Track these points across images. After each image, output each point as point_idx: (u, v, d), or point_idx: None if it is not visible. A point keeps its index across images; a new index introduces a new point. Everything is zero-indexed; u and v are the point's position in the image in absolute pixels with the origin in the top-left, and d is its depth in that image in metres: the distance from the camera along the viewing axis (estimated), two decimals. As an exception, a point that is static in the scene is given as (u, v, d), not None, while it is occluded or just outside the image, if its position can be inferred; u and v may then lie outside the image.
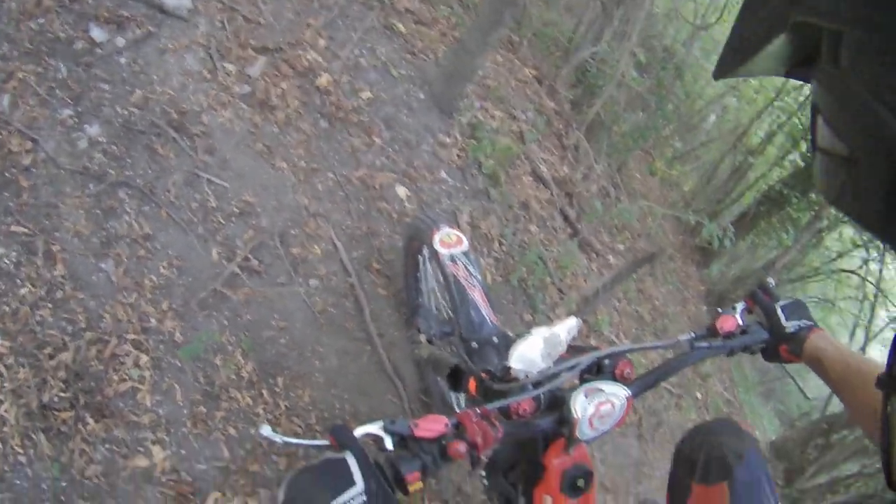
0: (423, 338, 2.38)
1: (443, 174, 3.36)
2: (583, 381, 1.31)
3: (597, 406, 1.19)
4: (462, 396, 2.46)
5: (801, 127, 7.11)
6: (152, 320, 2.34)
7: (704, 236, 3.59)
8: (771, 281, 1.53)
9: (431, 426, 1.01)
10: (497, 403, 1.20)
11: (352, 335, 2.74)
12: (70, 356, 2.16)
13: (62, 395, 2.11)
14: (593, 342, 3.95)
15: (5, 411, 2.03)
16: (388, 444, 0.99)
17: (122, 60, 2.75)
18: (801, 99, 7.04)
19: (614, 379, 1.30)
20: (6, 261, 2.23)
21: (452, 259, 2.08)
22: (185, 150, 2.71)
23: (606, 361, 1.32)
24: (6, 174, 2.35)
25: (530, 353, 1.35)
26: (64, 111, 2.54)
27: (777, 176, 7.80)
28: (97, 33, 2.73)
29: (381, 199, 3.12)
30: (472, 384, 1.47)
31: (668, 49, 7.05)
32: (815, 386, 9.42)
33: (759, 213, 7.39)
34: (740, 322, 1.44)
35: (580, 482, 1.27)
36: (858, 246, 7.03)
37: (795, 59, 0.50)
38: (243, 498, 2.23)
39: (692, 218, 4.38)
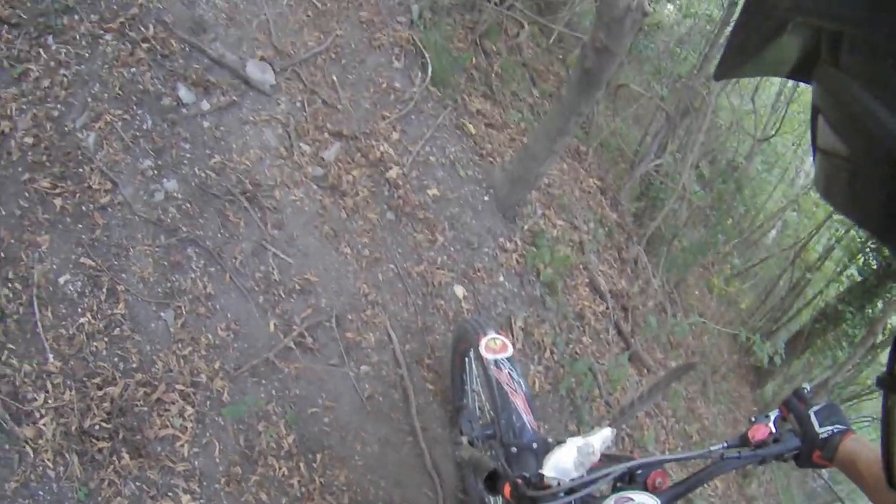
0: (464, 439, 2.38)
1: (501, 278, 3.39)
2: (615, 489, 1.31)
3: None
4: (499, 499, 2.43)
5: (858, 240, 6.93)
6: (203, 376, 2.39)
7: (759, 355, 3.48)
8: (806, 387, 1.48)
9: None
10: None
11: (396, 425, 2.73)
12: (118, 391, 2.21)
13: (103, 424, 2.15)
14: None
15: (44, 425, 2.07)
16: None
17: (206, 124, 2.90)
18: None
19: (646, 489, 1.29)
20: (70, 287, 2.33)
21: (497, 364, 2.10)
22: (255, 221, 2.81)
23: (639, 471, 1.32)
24: (83, 207, 2.47)
25: (564, 462, 1.36)
26: (145, 161, 2.67)
27: (834, 292, 7.58)
28: (184, 94, 2.89)
29: (439, 296, 3.15)
30: (507, 489, 1.48)
31: (730, 163, 7.07)
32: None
33: (815, 331, 7.15)
34: (773, 430, 1.42)
35: None
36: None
37: (796, 60, 0.50)
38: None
39: (745, 335, 4.27)
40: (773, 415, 1.46)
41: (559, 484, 1.35)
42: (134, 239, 2.52)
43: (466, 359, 2.61)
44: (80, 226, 2.46)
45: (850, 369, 6.32)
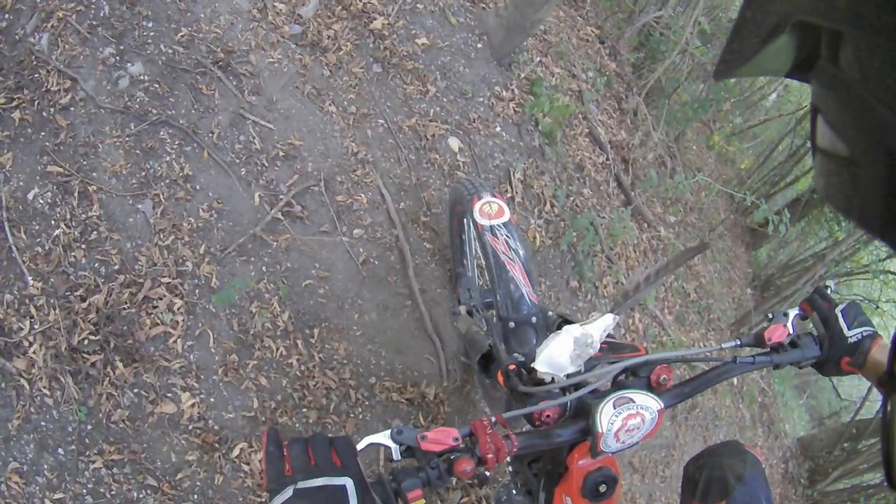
0: (462, 309, 2.30)
1: (497, 128, 3.21)
2: (615, 384, 1.22)
3: (625, 419, 1.10)
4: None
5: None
6: (188, 264, 2.29)
7: (758, 218, 3.41)
8: (831, 284, 1.37)
9: (440, 439, 0.96)
10: (518, 412, 1.12)
11: (394, 289, 2.65)
12: (102, 299, 2.12)
13: (92, 338, 2.08)
14: (637, 316, 3.81)
15: (34, 353, 2.02)
16: (396, 454, 0.96)
17: None
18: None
19: (649, 386, 1.21)
20: (40, 201, 2.20)
21: (493, 231, 1.96)
22: (231, 91, 2.61)
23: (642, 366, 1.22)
24: (43, 114, 2.30)
25: (558, 355, 1.27)
26: (105, 49, 2.46)
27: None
28: (140, -29, 2.60)
29: (433, 149, 2.99)
30: (500, 376, 1.42)
31: (733, 20, 6.70)
32: (849, 386, 9.22)
33: (813, 201, 7.10)
34: (791, 331, 1.30)
35: (602, 488, 1.19)
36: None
37: (796, 59, 0.50)
38: (270, 449, 2.20)
39: (749, 198, 4.19)
40: (791, 313, 1.33)
41: (553, 380, 1.26)
42: (101, 133, 2.34)
43: (465, 220, 2.46)
44: (43, 133, 2.28)
45: (849, 246, 6.32)
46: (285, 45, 2.87)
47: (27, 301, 2.08)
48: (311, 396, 2.33)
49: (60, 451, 2.00)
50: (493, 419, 1.02)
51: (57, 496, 1.94)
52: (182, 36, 2.61)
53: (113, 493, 1.99)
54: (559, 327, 1.34)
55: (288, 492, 0.80)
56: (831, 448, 6.73)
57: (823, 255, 6.35)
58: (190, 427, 2.12)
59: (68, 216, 2.20)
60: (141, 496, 2.00)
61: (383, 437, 0.96)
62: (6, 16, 2.38)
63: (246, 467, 2.15)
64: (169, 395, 2.13)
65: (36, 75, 2.34)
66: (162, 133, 2.43)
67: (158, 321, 2.18)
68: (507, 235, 1.95)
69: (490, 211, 2.00)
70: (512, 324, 1.82)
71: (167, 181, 2.36)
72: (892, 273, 7.20)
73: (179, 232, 2.32)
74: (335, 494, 0.82)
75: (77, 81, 2.38)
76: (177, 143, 2.44)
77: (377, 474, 0.91)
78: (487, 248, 1.93)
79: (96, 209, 2.24)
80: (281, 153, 2.62)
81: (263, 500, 2.14)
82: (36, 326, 2.05)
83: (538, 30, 3.69)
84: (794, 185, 7.77)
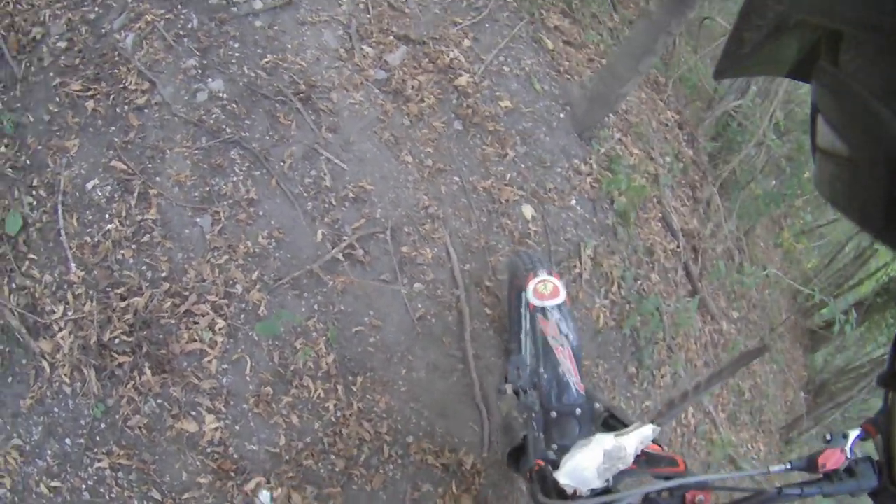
0: (509, 388, 2.17)
1: (573, 201, 3.14)
2: (646, 502, 1.12)
3: None
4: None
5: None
6: (238, 287, 2.24)
7: (822, 318, 3.23)
8: None
9: None
10: None
11: (446, 351, 2.55)
12: (143, 302, 2.09)
13: (125, 338, 2.04)
14: (690, 411, 3.60)
15: (62, 338, 1.99)
16: None
17: (258, 23, 2.71)
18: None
19: None
20: (98, 192, 2.20)
21: (544, 312, 1.88)
22: (308, 124, 2.62)
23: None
24: (117, 109, 2.33)
25: (585, 467, 1.17)
26: (189, 60, 2.51)
27: (900, 268, 7.19)
28: (235, -9, 2.68)
29: (505, 214, 2.92)
30: (528, 473, 1.34)
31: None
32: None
33: (875, 305, 6.82)
34: (848, 455, 1.14)
35: None
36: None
37: (796, 59, 0.50)
38: (288, 490, 2.08)
39: (817, 294, 3.99)
40: (852, 435, 1.15)
41: (575, 493, 1.17)
42: (171, 140, 2.36)
43: (522, 294, 2.33)
44: (113, 128, 2.31)
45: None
46: (368, 89, 2.89)
47: (66, 286, 2.06)
48: (342, 444, 2.23)
49: (68, 441, 1.96)
50: None
51: (54, 483, 1.90)
52: (267, 62, 2.65)
53: (113, 496, 1.93)
54: (605, 423, 1.23)
55: None
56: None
57: (882, 360, 6.04)
58: (208, 450, 2.05)
59: (123, 213, 2.20)
60: (140, 506, 1.92)
61: None
62: (96, 8, 2.46)
63: (257, 502, 2.06)
64: (193, 413, 2.06)
65: (115, 71, 2.39)
66: (232, 153, 2.44)
67: (196, 337, 2.13)
68: (559, 318, 1.86)
69: (544, 291, 1.91)
70: (554, 413, 1.73)
71: (230, 201, 2.35)
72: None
73: (234, 253, 2.29)
74: None
75: (156, 85, 2.41)
76: (246, 165, 2.44)
77: None
78: (537, 329, 1.84)
79: (153, 213, 2.23)
80: (351, 194, 2.59)
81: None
82: (69, 313, 2.03)
83: (620, 107, 3.66)
84: (857, 288, 7.49)
